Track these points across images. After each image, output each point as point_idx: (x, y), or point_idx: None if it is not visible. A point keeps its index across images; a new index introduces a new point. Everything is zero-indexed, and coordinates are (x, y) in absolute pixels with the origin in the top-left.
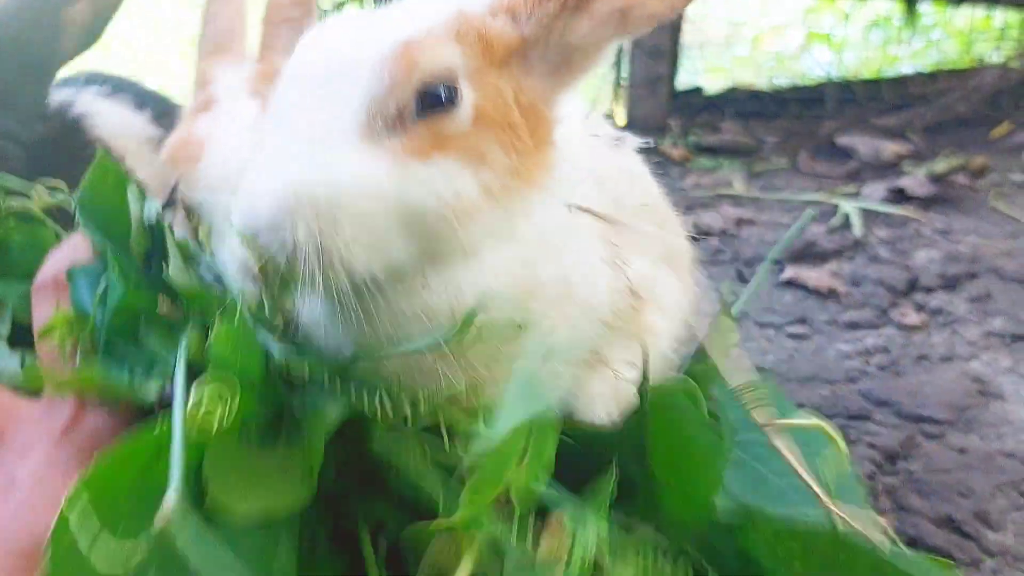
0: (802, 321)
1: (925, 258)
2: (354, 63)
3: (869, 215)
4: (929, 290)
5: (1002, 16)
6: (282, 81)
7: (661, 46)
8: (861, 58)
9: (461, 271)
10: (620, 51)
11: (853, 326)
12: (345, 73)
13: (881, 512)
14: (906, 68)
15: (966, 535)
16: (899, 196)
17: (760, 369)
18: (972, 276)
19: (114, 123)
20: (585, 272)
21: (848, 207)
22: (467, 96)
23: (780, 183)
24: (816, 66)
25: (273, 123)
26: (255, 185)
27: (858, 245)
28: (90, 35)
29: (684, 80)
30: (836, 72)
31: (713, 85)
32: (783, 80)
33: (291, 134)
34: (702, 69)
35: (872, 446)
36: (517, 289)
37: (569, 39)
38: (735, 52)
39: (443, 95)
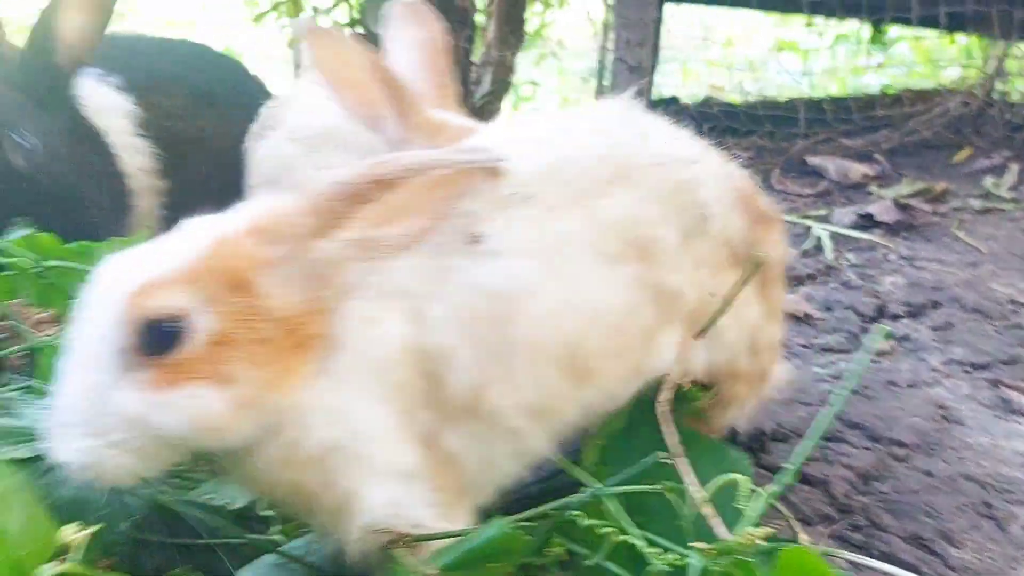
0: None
1: (891, 284)
2: (107, 305)
3: (839, 238)
4: (896, 317)
5: (965, 40)
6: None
7: (643, 63)
8: (828, 68)
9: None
10: (603, 64)
11: (827, 350)
12: (102, 314)
13: (856, 528)
14: (871, 82)
15: (933, 552)
16: (868, 221)
17: None
18: (935, 304)
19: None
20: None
21: (820, 231)
22: (203, 323)
23: None
24: (783, 74)
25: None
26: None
27: (830, 270)
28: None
29: (658, 82)
30: (803, 82)
31: (684, 90)
32: (752, 86)
33: (74, 370)
34: (675, 71)
35: (848, 467)
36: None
37: (318, 256)
38: (707, 55)
39: (171, 331)
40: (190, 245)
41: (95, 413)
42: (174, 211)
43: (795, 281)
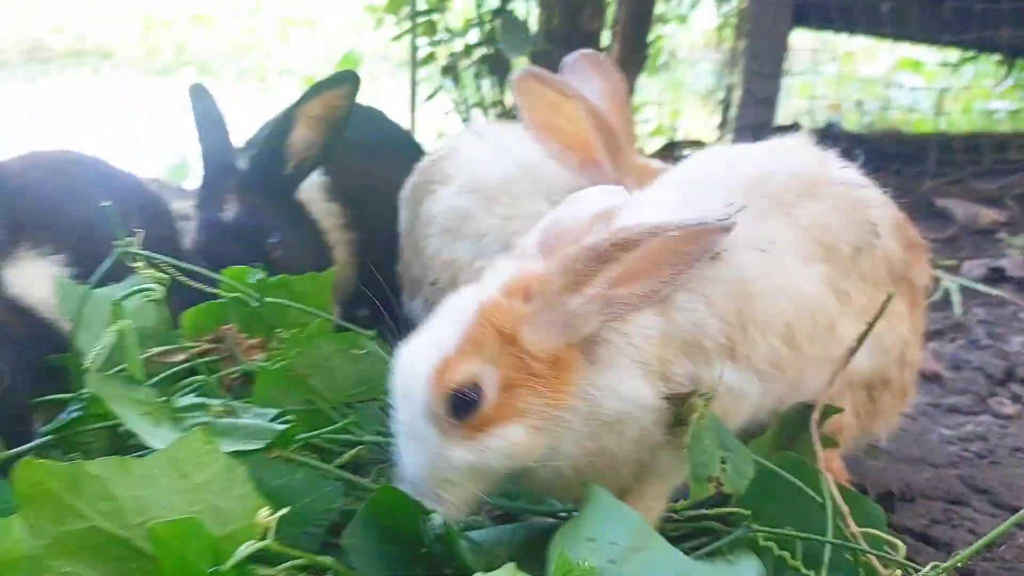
0: None
1: (1021, 345)
2: (417, 388)
3: (967, 291)
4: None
5: None
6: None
7: (771, 96)
8: (953, 88)
9: None
10: (731, 94)
11: (953, 410)
12: (413, 397)
13: None
14: (1000, 106)
15: None
16: (998, 275)
17: (874, 447)
18: None
19: None
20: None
21: (950, 284)
22: (491, 379)
23: None
24: (903, 94)
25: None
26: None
27: (959, 327)
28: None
29: None
30: (924, 103)
31: (799, 104)
32: (871, 105)
33: (408, 442)
34: (790, 85)
35: (972, 532)
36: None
37: (567, 310)
38: (822, 69)
39: (470, 397)
40: (460, 318)
41: (441, 472)
42: (362, 256)
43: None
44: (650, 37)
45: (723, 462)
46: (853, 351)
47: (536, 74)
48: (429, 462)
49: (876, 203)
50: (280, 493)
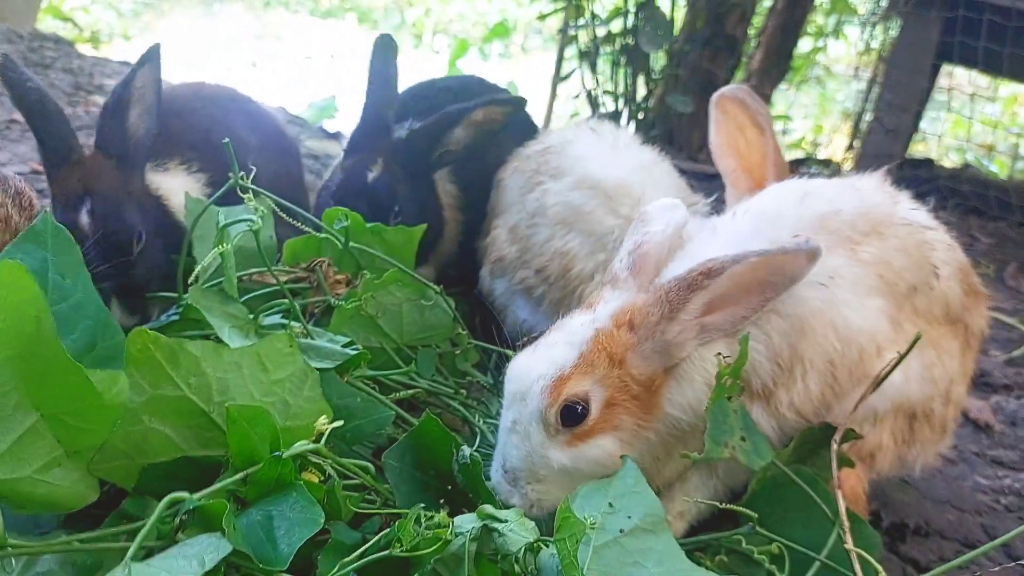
0: (952, 447)
1: None
2: (534, 395)
3: None
4: None
5: None
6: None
7: (902, 128)
8: None
9: None
10: (861, 120)
11: (997, 463)
12: (530, 400)
13: None
14: None
15: None
16: None
17: (905, 483)
18: None
19: None
20: None
21: None
22: (597, 396)
23: None
24: None
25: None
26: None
27: None
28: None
29: (923, 128)
30: None
31: (952, 142)
32: None
33: (516, 439)
34: (943, 118)
35: None
36: None
37: (666, 338)
38: (982, 108)
39: (579, 409)
40: (578, 340)
41: (537, 467)
42: (466, 235)
43: (988, 388)
44: (797, 50)
45: (743, 439)
46: (885, 375)
47: (739, 97)
48: (529, 458)
49: (941, 246)
50: (339, 411)
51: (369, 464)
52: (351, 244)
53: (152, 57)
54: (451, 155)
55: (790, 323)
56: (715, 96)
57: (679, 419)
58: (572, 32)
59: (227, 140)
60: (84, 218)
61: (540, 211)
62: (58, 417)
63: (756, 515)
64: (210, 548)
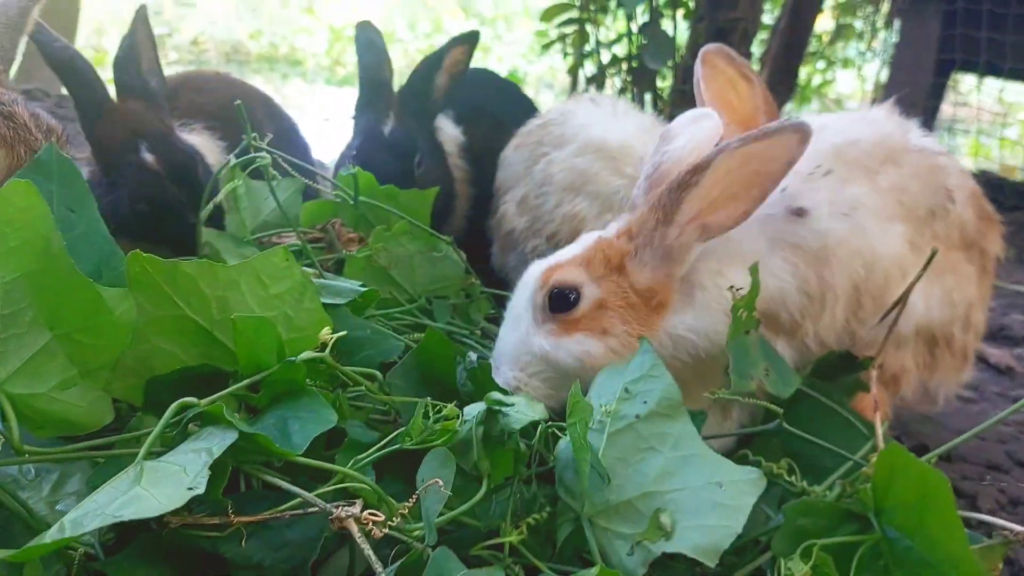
0: (975, 388)
1: None
2: (532, 280)
3: None
4: None
5: None
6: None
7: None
8: None
9: None
10: None
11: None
12: (527, 286)
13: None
14: None
15: None
16: None
17: (925, 417)
18: None
19: None
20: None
21: None
22: (590, 293)
23: (999, 270)
24: None
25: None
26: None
27: None
28: None
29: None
30: None
31: (971, 165)
32: None
33: (511, 324)
34: (963, 144)
35: (1001, 491)
36: None
37: (666, 243)
38: (1003, 133)
39: (571, 298)
40: (581, 245)
41: (520, 352)
42: (475, 212)
43: (1011, 341)
44: (811, 73)
45: (766, 371)
46: (903, 298)
47: (724, 51)
48: (516, 342)
49: (954, 171)
50: (349, 342)
51: (376, 372)
52: (365, 201)
53: (141, 19)
54: (438, 105)
55: (816, 255)
56: (701, 52)
57: (695, 344)
58: (578, 61)
59: (239, 102)
60: (147, 156)
61: (547, 180)
62: (71, 336)
63: (781, 411)
64: (217, 439)
